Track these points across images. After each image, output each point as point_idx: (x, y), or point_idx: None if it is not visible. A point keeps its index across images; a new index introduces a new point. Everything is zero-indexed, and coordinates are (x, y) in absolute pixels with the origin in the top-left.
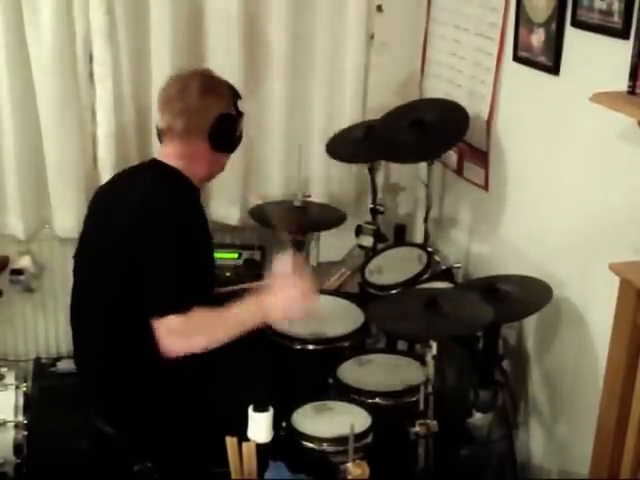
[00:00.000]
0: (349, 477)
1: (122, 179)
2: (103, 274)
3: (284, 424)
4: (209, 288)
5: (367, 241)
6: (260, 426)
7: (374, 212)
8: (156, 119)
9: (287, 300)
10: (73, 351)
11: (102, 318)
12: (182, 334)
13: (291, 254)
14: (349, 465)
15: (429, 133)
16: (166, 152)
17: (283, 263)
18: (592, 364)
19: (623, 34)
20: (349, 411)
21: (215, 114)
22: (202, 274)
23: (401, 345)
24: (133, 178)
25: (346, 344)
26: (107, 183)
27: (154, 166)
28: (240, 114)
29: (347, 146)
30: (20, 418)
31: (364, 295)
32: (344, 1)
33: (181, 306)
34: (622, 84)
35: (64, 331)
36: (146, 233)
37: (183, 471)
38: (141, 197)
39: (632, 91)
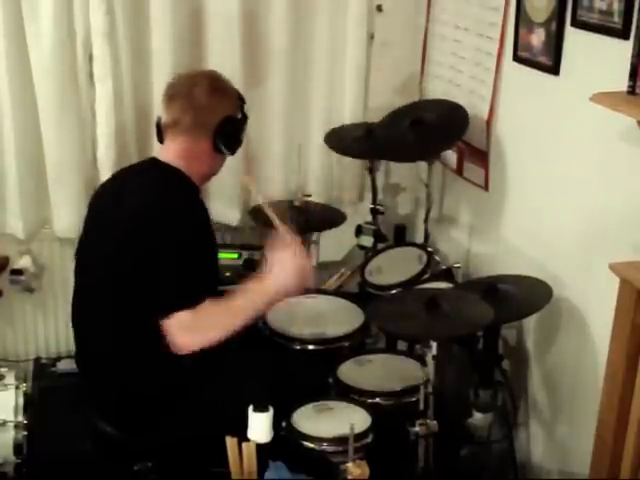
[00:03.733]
0: (349, 477)
1: (122, 178)
2: (105, 275)
3: (284, 424)
4: (214, 284)
5: (367, 241)
6: (260, 426)
7: (374, 212)
8: (158, 115)
9: (287, 274)
10: (75, 351)
11: (105, 318)
12: (193, 329)
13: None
14: (349, 465)
15: (429, 133)
16: (167, 150)
17: (279, 241)
18: (592, 364)
19: (623, 34)
20: (349, 411)
21: (222, 115)
22: (206, 271)
23: (401, 345)
24: (133, 178)
25: (346, 344)
26: (106, 182)
27: (154, 165)
28: (245, 118)
29: (347, 142)
30: (20, 418)
31: (364, 295)
32: (344, 1)
33: (189, 302)
34: (622, 84)
35: (64, 331)
36: (147, 233)
37: (183, 471)
38: (142, 197)
39: (632, 91)
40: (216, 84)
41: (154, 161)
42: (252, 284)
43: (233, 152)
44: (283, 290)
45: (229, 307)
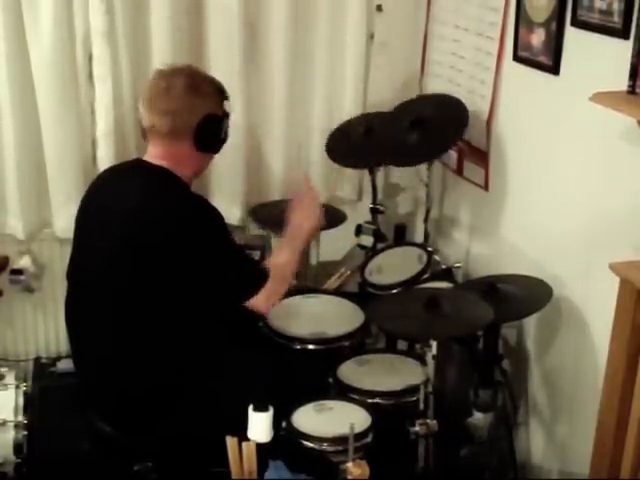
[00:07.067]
0: (349, 477)
1: (115, 180)
2: (109, 278)
3: (284, 424)
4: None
5: (367, 241)
6: (260, 426)
7: (374, 212)
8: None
9: (305, 217)
10: (71, 352)
11: (104, 318)
12: (276, 290)
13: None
14: (349, 465)
15: (429, 132)
16: (153, 152)
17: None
18: (592, 364)
19: (623, 34)
20: (349, 411)
21: (202, 114)
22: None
23: (401, 345)
24: (129, 179)
25: (346, 344)
26: (98, 184)
27: (143, 166)
28: (226, 114)
29: (347, 147)
30: (20, 418)
31: (364, 295)
32: (344, 1)
33: (263, 272)
34: (622, 84)
35: (64, 331)
36: (175, 236)
37: (183, 471)
38: (146, 197)
39: (632, 91)
40: (192, 82)
41: (141, 162)
42: (281, 240)
43: (216, 151)
44: (305, 231)
45: (283, 259)
